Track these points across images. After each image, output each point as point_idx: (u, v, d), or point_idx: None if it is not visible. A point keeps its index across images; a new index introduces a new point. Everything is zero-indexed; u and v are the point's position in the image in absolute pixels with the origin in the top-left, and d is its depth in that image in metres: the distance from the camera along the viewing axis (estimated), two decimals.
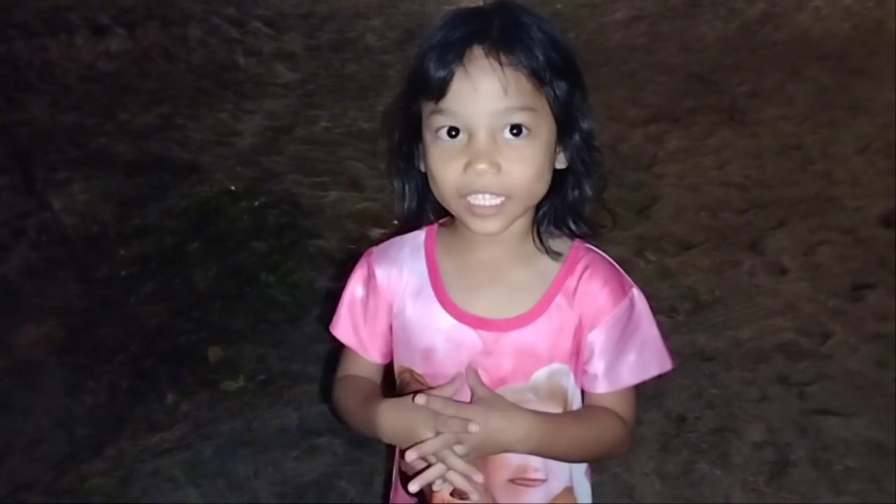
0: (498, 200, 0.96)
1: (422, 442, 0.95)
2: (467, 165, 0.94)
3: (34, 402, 2.51)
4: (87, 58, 6.56)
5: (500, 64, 0.93)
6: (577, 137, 1.02)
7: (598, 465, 2.16)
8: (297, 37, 7.11)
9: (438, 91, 0.94)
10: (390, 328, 1.11)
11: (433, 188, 1.01)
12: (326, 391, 2.53)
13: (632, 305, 1.06)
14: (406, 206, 1.10)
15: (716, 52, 6.08)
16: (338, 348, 1.20)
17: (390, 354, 1.13)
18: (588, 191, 1.05)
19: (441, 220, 1.10)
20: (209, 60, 6.52)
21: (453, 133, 0.96)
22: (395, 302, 1.09)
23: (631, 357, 1.06)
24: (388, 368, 1.17)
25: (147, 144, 4.67)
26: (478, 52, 0.94)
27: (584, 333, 1.04)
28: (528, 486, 1.08)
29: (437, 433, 0.95)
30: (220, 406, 2.49)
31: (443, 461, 0.95)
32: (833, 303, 2.94)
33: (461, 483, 0.96)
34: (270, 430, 2.40)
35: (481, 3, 1.02)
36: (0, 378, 2.62)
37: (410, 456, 0.95)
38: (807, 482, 2.18)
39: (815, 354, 2.67)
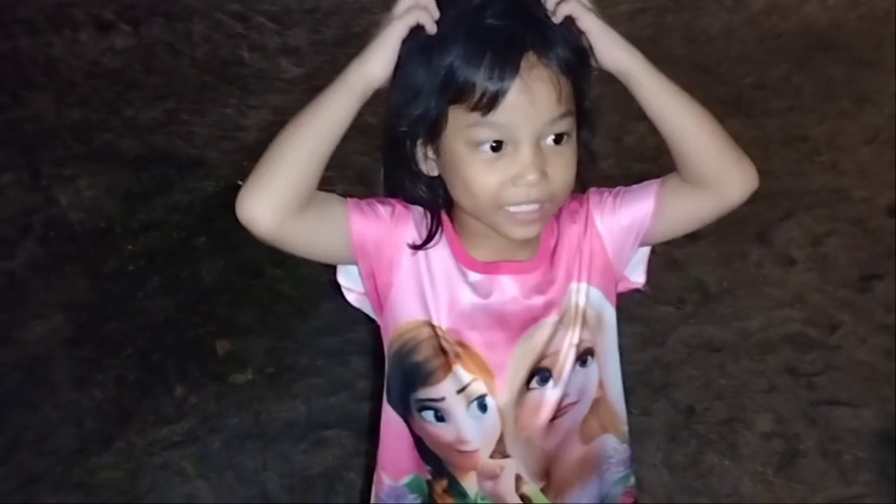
0: (539, 206, 0.94)
1: None
2: (516, 177, 0.91)
3: (43, 397, 2.52)
4: (92, 54, 6.57)
5: (551, 69, 0.90)
6: (585, 131, 1.00)
7: None
8: (301, 32, 7.10)
9: (490, 104, 0.87)
10: (382, 240, 1.02)
11: (463, 198, 0.97)
12: (335, 384, 2.53)
13: (598, 190, 1.08)
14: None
15: (721, 43, 6.05)
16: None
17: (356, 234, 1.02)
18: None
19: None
20: (213, 56, 6.52)
21: (494, 145, 0.90)
22: (413, 241, 1.02)
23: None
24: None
25: (152, 140, 4.67)
26: (532, 59, 0.88)
27: (596, 231, 1.05)
28: (564, 414, 1.09)
29: None
30: (228, 399, 2.50)
31: None
32: (841, 293, 2.93)
33: None
34: (278, 422, 2.40)
35: None
36: (9, 373, 2.63)
37: None
38: (816, 472, 2.18)
39: (823, 345, 2.67)
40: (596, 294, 1.07)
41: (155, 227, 3.52)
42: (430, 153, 0.98)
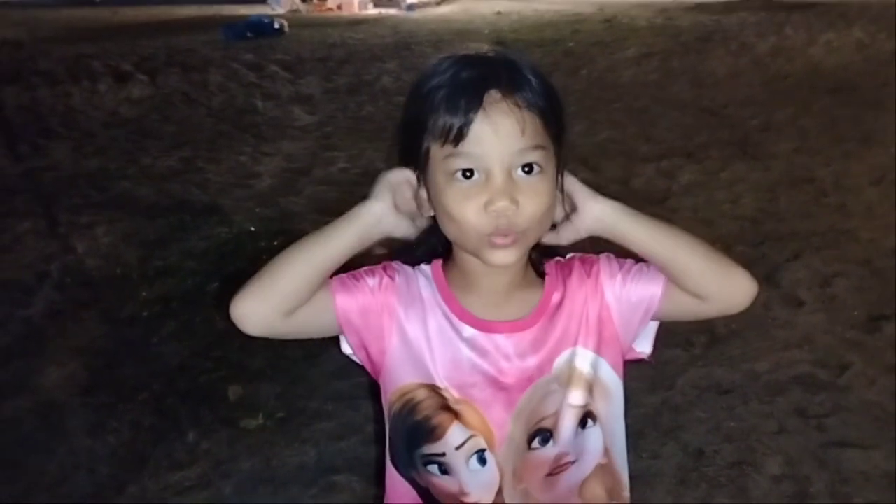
0: (515, 233, 1.01)
1: None
2: (487, 203, 0.99)
3: (58, 443, 2.55)
4: (110, 104, 6.72)
5: (518, 106, 0.99)
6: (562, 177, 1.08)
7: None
8: (314, 80, 7.25)
9: (458, 135, 0.98)
10: (368, 311, 1.08)
11: (448, 228, 1.04)
12: (345, 428, 2.55)
13: (610, 257, 1.12)
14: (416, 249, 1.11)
15: (727, 86, 6.13)
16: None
17: (341, 313, 1.08)
18: None
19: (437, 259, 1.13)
20: (228, 104, 6.66)
21: (468, 174, 1.00)
22: (402, 307, 1.09)
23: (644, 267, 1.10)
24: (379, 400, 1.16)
25: (168, 187, 4.77)
26: (495, 95, 0.98)
27: (605, 300, 1.09)
28: (562, 471, 1.11)
29: None
30: (239, 444, 2.52)
31: None
32: (850, 334, 2.94)
33: None
34: (289, 467, 2.42)
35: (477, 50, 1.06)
36: (24, 419, 2.67)
37: None
38: None
39: (832, 386, 2.67)
40: (604, 364, 1.11)
41: (170, 273, 3.59)
42: (424, 193, 1.07)
